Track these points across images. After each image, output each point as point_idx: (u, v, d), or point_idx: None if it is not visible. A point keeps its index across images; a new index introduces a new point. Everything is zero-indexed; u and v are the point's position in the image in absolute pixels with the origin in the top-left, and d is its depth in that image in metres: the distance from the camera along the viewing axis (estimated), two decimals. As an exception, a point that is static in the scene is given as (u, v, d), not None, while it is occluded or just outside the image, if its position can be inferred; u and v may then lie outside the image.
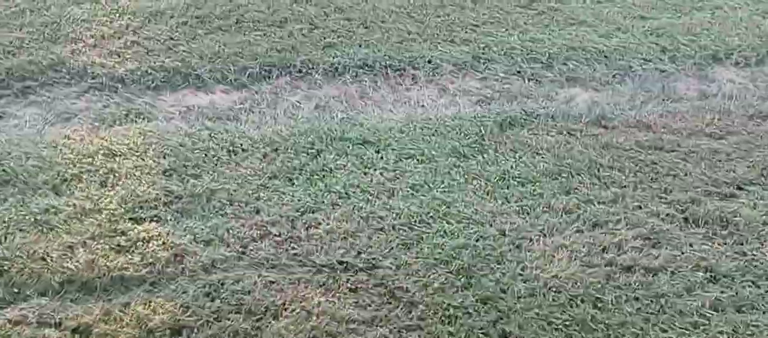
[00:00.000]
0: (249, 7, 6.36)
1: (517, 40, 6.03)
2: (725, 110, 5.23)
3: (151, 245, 3.74)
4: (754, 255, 3.74)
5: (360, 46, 5.90)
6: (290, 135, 4.74)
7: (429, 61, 5.75)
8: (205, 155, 4.51)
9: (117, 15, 6.21)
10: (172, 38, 5.93)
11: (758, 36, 6.20)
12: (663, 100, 5.43)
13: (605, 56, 5.89)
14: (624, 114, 5.14)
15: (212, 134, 4.74)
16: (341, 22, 6.20)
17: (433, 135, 4.77)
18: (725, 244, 3.82)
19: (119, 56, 5.70)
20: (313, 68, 5.65)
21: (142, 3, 6.39)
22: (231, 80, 5.54)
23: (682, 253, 3.76)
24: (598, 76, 5.69)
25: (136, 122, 5.01)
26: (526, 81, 5.61)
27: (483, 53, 5.86)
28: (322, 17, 6.25)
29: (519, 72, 5.71)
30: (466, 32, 6.14)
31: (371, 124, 4.92)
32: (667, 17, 6.46)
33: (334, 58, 5.73)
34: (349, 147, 4.62)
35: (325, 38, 5.96)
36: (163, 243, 3.75)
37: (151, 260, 3.67)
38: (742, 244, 3.84)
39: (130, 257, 3.68)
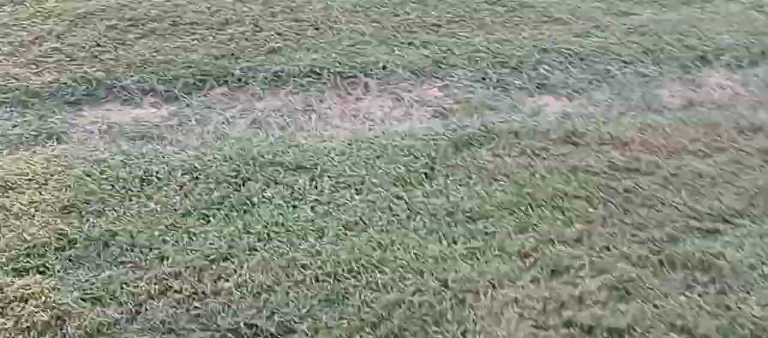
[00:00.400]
0: (188, 7, 5.76)
1: (483, 41, 5.44)
2: (712, 123, 4.64)
3: (28, 305, 3.16)
4: (739, 309, 3.16)
5: (308, 50, 5.29)
6: (214, 160, 4.15)
7: (383, 68, 5.17)
8: (113, 186, 3.93)
9: (41, 18, 5.63)
10: (98, 45, 5.34)
11: (751, 33, 5.60)
12: (643, 110, 4.83)
13: (581, 59, 5.30)
14: (597, 129, 4.54)
15: (126, 160, 4.15)
16: (289, 23, 5.60)
17: (378, 158, 4.19)
18: (706, 294, 3.24)
19: (37, 66, 5.12)
20: (253, 77, 5.05)
21: (70, 3, 5.80)
22: (160, 92, 4.96)
23: (656, 308, 3.18)
24: (571, 82, 5.10)
25: (45, 144, 4.41)
26: (491, 89, 5.03)
27: (444, 58, 5.27)
28: (267, 18, 5.66)
29: (483, 79, 5.12)
30: (426, 33, 5.55)
31: (309, 144, 4.33)
32: (651, 13, 5.87)
33: (277, 65, 5.13)
34: (279, 174, 4.04)
35: (268, 42, 5.38)
36: (44, 302, 3.17)
37: (26, 324, 3.10)
38: (724, 294, 3.26)
39: (2, 321, 3.10)
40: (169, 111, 4.80)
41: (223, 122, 4.69)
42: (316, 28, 5.55)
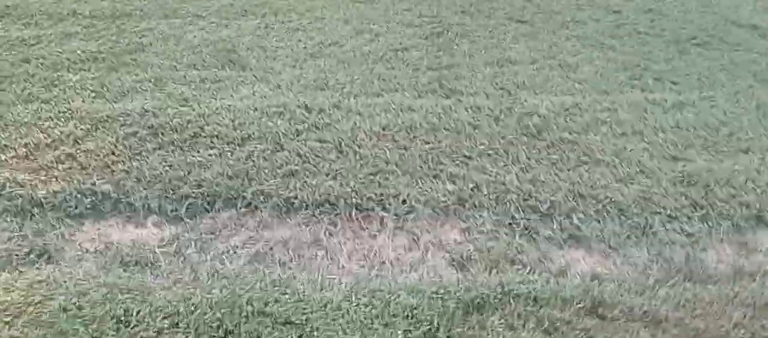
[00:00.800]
0: (212, 118, 5.57)
1: (515, 179, 5.03)
2: (763, 301, 4.08)
3: None
4: None
5: (326, 175, 5.00)
6: (200, 304, 3.83)
7: (403, 202, 4.80)
8: (86, 327, 3.64)
9: (63, 120, 5.52)
10: (113, 153, 5.17)
11: (820, 194, 5.04)
12: (685, 277, 4.32)
13: (620, 210, 4.82)
14: (629, 300, 4.04)
15: (109, 295, 3.87)
16: (312, 143, 5.33)
17: (377, 318, 3.79)
18: None
19: (47, 173, 4.96)
20: (264, 202, 4.76)
21: (96, 105, 5.69)
22: (166, 211, 4.72)
23: None
24: (607, 235, 4.63)
25: (35, 264, 4.19)
26: (517, 237, 4.59)
27: (471, 195, 4.87)
28: (291, 136, 5.40)
29: (510, 224, 4.70)
30: (455, 165, 5.18)
31: (306, 293, 3.97)
32: (704, 160, 5.36)
33: (291, 191, 4.83)
34: (265, 328, 3.68)
35: (287, 164, 5.10)
36: None
37: None
38: None
39: None
40: (171, 234, 4.55)
41: (223, 252, 4.39)
42: (340, 152, 5.26)
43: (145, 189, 4.84)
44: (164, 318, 3.75)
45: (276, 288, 4.03)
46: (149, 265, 4.26)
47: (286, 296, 3.95)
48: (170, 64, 6.43)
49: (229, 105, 5.74)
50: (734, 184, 5.08)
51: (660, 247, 4.57)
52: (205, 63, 6.52)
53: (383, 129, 5.53)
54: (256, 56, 6.67)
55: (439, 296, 3.99)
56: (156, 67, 6.38)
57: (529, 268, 4.35)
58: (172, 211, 4.72)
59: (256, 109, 5.70)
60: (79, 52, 6.63)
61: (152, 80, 6.13)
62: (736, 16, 8.35)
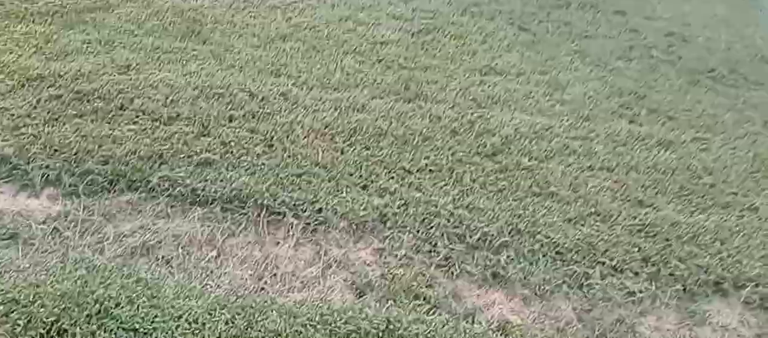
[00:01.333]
0: (145, 91, 5.27)
1: (451, 203, 4.59)
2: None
3: None
4: None
5: (245, 170, 4.65)
6: (46, 293, 3.54)
7: (319, 210, 4.43)
8: None
9: (-5, 72, 5.29)
10: (29, 115, 4.91)
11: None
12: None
13: (558, 253, 4.36)
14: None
15: (-43, 270, 3.61)
16: (241, 132, 4.99)
17: (231, 339, 3.44)
18: None
19: (-45, 127, 4.74)
20: (168, 189, 4.44)
21: (31, 61, 5.46)
22: (65, 185, 4.43)
23: None
24: (534, 281, 4.18)
25: None
26: (433, 267, 4.18)
27: (396, 213, 4.47)
28: (222, 121, 5.07)
29: (430, 251, 4.29)
30: (390, 177, 4.77)
31: (170, 300, 3.65)
32: (673, 210, 4.83)
33: (200, 182, 4.50)
34: (102, 334, 3.36)
35: (207, 151, 4.76)
36: None
37: None
38: None
39: None
40: (59, 211, 4.27)
41: (105, 239, 4.10)
42: (269, 145, 4.91)
43: (49, 158, 4.57)
44: (2, 303, 3.46)
45: (138, 288, 3.71)
46: (22, 242, 3.99)
47: (143, 299, 3.62)
48: (128, 28, 6.16)
49: (171, 80, 5.44)
50: (699, 242, 4.56)
51: (592, 303, 4.10)
52: (167, 31, 6.24)
53: (325, 127, 5.15)
54: (222, 31, 6.35)
55: (312, 325, 3.61)
56: (111, 29, 6.12)
57: (432, 305, 3.93)
58: (70, 185, 4.43)
59: (196, 87, 5.38)
60: (40, 3, 6.42)
61: (101, 42, 5.87)
62: (767, 51, 7.67)
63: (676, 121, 5.92)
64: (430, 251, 4.30)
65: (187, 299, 3.70)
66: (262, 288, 3.95)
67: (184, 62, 5.74)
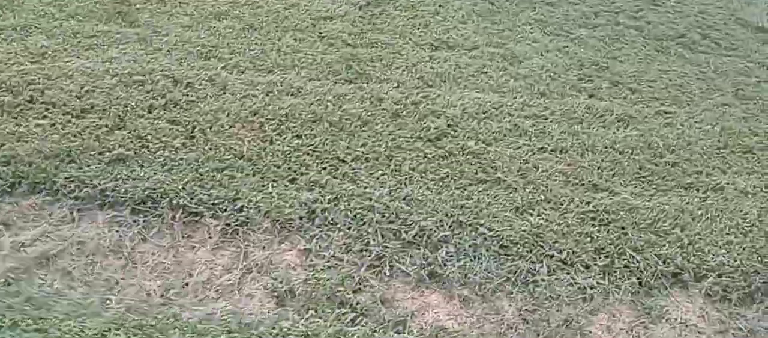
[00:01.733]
0: (58, 82, 4.88)
1: (387, 195, 4.25)
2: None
3: None
4: None
5: (162, 166, 4.29)
6: None
7: (241, 209, 4.08)
8: None
9: None
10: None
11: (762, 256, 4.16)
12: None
13: (502, 246, 4.06)
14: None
15: None
16: (160, 123, 4.62)
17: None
18: None
19: None
20: (75, 190, 4.08)
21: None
22: (-40, 188, 4.06)
23: None
24: (475, 279, 3.87)
25: None
26: (364, 269, 3.86)
27: (326, 209, 4.13)
28: (141, 111, 4.70)
29: (362, 250, 3.96)
30: (322, 169, 4.43)
31: (56, 319, 3.30)
32: (631, 193, 4.51)
33: (111, 181, 4.14)
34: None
35: (121, 146, 4.40)
36: None
37: None
38: None
39: None
40: (-47, 220, 3.91)
41: (1, 250, 3.74)
42: (190, 137, 4.54)
43: (-57, 159, 4.20)
44: None
45: (26, 308, 3.36)
46: None
47: (29, 321, 3.27)
48: (48, 11, 5.75)
49: (88, 68, 5.05)
50: (657, 229, 4.23)
51: (538, 303, 3.78)
52: (92, 14, 5.82)
53: (253, 115, 4.77)
54: (152, 11, 5.94)
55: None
56: (32, 13, 5.71)
57: (358, 313, 3.60)
58: (-34, 189, 4.07)
59: (115, 74, 4.99)
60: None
61: (18, 28, 5.46)
62: (743, 14, 7.30)
63: (640, 94, 5.57)
64: (362, 251, 3.96)
65: (80, 319, 3.36)
66: (167, 301, 3.60)
67: (106, 48, 5.34)
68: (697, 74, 6.01)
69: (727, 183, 4.66)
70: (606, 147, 4.85)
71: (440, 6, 6.60)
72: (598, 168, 4.65)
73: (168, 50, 5.41)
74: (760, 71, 6.15)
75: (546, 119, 5.09)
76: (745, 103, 5.64)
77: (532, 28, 6.40)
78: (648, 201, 4.42)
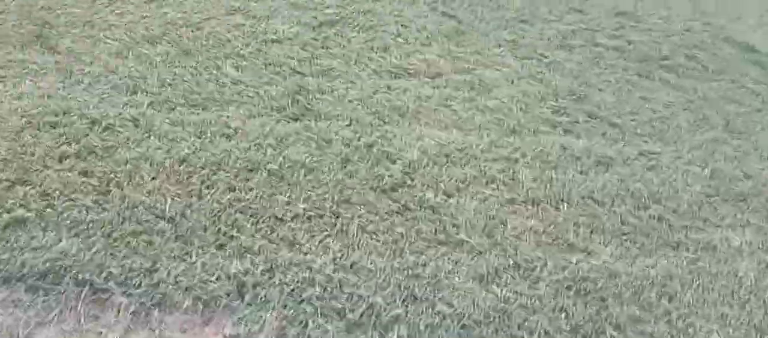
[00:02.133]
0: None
1: (331, 263, 3.70)
2: None
3: None
4: None
5: (69, 230, 3.70)
6: None
7: (156, 285, 3.49)
8: None
9: None
10: None
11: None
12: None
13: (463, 327, 3.50)
14: None
15: None
16: (70, 176, 4.03)
17: None
18: None
19: None
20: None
21: None
22: None
23: None
24: None
25: None
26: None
27: (257, 283, 3.59)
28: (50, 161, 4.10)
29: (298, 335, 3.39)
30: (256, 231, 3.85)
31: None
32: (610, 255, 3.98)
33: (6, 253, 3.54)
34: None
35: (20, 206, 3.81)
36: None
37: None
38: None
39: None
40: None
41: None
42: (104, 193, 3.95)
43: None
44: None
45: None
46: None
47: None
48: (-44, 37, 5.12)
49: (-6, 106, 4.43)
50: (642, 301, 3.71)
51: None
52: (7, 38, 5.20)
53: (181, 163, 4.19)
54: (75, 36, 5.32)
55: None
56: (-65, 40, 5.07)
57: None
58: None
59: (24, 115, 4.38)
60: None
61: None
62: (731, 31, 6.81)
63: (620, 129, 5.05)
64: (298, 336, 3.40)
65: None
66: (63, 410, 3.03)
67: (17, 81, 4.73)
68: (683, 103, 5.52)
69: (720, 240, 4.16)
70: (583, 198, 4.33)
71: (403, 26, 6.04)
72: (575, 224, 4.14)
73: (89, 83, 4.81)
74: (751, 99, 5.67)
75: (517, 162, 4.56)
76: (736, 138, 5.16)
77: (502, 51, 5.87)
78: (631, 265, 3.91)
